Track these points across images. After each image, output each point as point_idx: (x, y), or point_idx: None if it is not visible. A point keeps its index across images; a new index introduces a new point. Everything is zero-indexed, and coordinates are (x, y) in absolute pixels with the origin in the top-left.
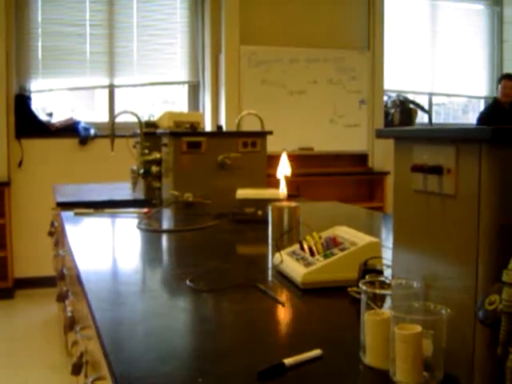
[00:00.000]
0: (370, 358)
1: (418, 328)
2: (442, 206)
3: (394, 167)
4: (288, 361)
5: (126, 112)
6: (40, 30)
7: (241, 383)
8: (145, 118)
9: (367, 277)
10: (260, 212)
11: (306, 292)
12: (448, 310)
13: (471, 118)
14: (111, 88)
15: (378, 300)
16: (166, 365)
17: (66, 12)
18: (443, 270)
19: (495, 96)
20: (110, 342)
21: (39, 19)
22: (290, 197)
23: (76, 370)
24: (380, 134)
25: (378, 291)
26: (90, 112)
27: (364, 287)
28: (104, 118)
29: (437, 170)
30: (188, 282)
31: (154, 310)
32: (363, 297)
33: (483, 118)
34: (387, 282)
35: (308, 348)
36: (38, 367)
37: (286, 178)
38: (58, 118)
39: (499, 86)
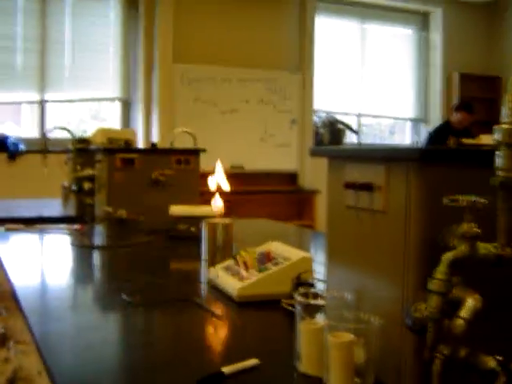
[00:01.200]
0: (304, 366)
1: (351, 336)
2: (372, 221)
3: (327, 184)
4: (226, 369)
5: (58, 128)
6: None
7: None
8: (77, 135)
9: (300, 289)
10: (193, 228)
11: (241, 305)
12: (378, 319)
13: (397, 139)
14: (42, 103)
15: (312, 311)
16: (104, 377)
17: None
18: (374, 282)
19: (447, 119)
20: (50, 356)
21: None
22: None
23: None
24: (314, 153)
25: (312, 301)
26: (19, 127)
27: (299, 298)
28: (33, 133)
29: (368, 187)
30: (124, 296)
31: (91, 324)
32: (298, 307)
33: (433, 138)
34: (320, 293)
35: (244, 358)
36: None
37: (223, 193)
38: None
39: (456, 114)
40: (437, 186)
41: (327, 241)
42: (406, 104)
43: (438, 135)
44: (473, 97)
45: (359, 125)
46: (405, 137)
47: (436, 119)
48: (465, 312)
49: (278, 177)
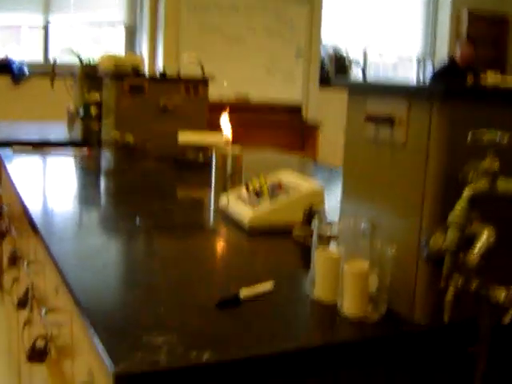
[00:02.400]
0: (318, 292)
1: (366, 265)
2: (391, 154)
3: (346, 116)
4: (243, 293)
5: (68, 50)
6: None
7: (200, 312)
8: (84, 61)
9: (316, 217)
10: (201, 156)
11: (252, 234)
12: (393, 248)
13: (401, 75)
14: (46, 26)
15: (327, 240)
16: (126, 295)
17: None
18: (390, 213)
19: (452, 56)
20: (69, 274)
21: None
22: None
23: (21, 304)
24: (335, 83)
25: (328, 231)
26: (20, 50)
27: (316, 225)
28: (37, 56)
29: (389, 121)
30: (137, 220)
31: (107, 246)
32: (315, 234)
33: (438, 76)
34: (335, 222)
35: (258, 282)
36: None
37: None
38: None
39: (460, 49)
40: (458, 123)
41: (344, 173)
42: (413, 40)
43: (444, 73)
44: (480, 35)
45: (365, 60)
46: (408, 73)
47: (443, 57)
48: (479, 247)
49: (282, 109)
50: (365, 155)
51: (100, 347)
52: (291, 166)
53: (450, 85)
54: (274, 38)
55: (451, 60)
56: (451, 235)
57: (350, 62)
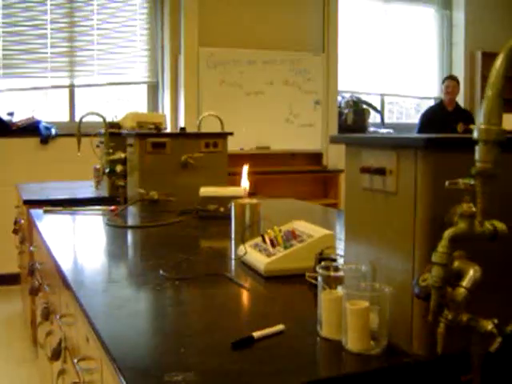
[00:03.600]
0: (325, 331)
1: (366, 303)
2: (385, 201)
3: (345, 169)
4: (256, 334)
5: (92, 113)
6: (0, 31)
7: (217, 353)
8: (108, 119)
9: (323, 263)
10: (222, 208)
11: (269, 279)
12: (391, 288)
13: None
14: (71, 88)
15: (333, 282)
16: (150, 340)
17: (27, 13)
18: (387, 256)
19: (440, 97)
20: (98, 323)
21: (0, 20)
22: (249, 195)
23: (55, 355)
24: (333, 140)
25: (332, 273)
26: (48, 111)
27: (320, 270)
28: (63, 117)
29: (381, 171)
30: (161, 271)
31: (133, 296)
32: (320, 279)
33: (425, 117)
34: (340, 267)
35: (272, 325)
36: (4, 360)
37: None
38: (19, 117)
39: (443, 86)
40: (441, 171)
41: (345, 219)
42: (430, 83)
43: (430, 116)
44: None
45: (383, 104)
46: None
47: (459, 97)
48: (466, 282)
49: (303, 157)
50: (362, 203)
51: None
52: (310, 214)
53: (430, 136)
54: (292, 88)
55: (439, 103)
56: (435, 273)
57: (368, 107)
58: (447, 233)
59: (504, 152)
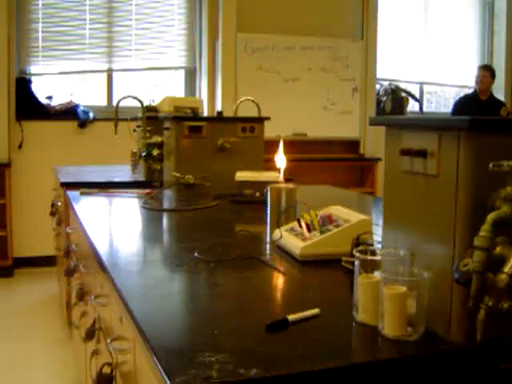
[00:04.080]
0: (361, 316)
1: (404, 288)
2: (425, 185)
3: (384, 151)
4: (291, 317)
5: (129, 97)
6: (40, 15)
7: (251, 335)
8: (145, 103)
9: (360, 247)
10: (258, 193)
11: (304, 264)
12: (429, 273)
13: None
14: (109, 72)
15: (370, 267)
16: (184, 320)
17: None
18: (426, 240)
19: (474, 87)
20: (132, 304)
21: (40, 3)
22: (286, 180)
23: (89, 336)
24: (373, 122)
25: (369, 257)
26: (86, 95)
27: (358, 254)
28: (101, 101)
29: (422, 154)
30: (196, 253)
31: (167, 277)
32: (357, 262)
33: (458, 105)
34: (377, 251)
35: (307, 309)
36: (39, 341)
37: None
38: (57, 101)
39: (476, 75)
40: (485, 153)
41: (384, 203)
42: (469, 72)
43: (463, 104)
44: None
45: (422, 93)
46: None
47: (500, 87)
48: (508, 268)
49: (340, 144)
50: (402, 186)
51: (159, 366)
52: (346, 201)
53: (475, 117)
54: (330, 75)
55: (473, 92)
56: (477, 257)
57: (407, 95)
58: (490, 216)
59: None
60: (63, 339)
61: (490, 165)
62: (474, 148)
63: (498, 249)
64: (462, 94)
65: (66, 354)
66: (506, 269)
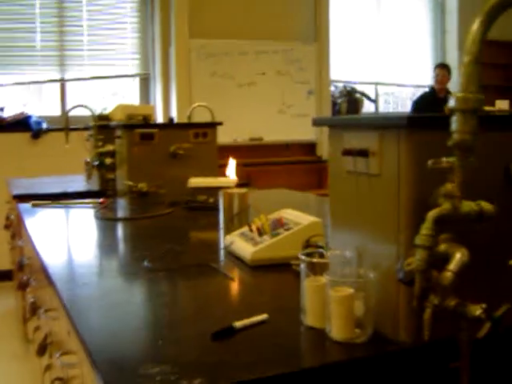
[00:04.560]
0: (309, 319)
1: (350, 290)
2: (369, 184)
3: (328, 152)
4: (238, 324)
5: (79, 106)
6: None
7: (196, 344)
8: (97, 112)
9: (307, 250)
10: (212, 199)
11: (255, 269)
12: (375, 274)
13: None
14: (62, 82)
15: (318, 270)
16: (129, 331)
17: (16, 7)
18: (371, 240)
19: (431, 85)
20: (77, 317)
21: None
22: (240, 185)
23: (41, 350)
24: (316, 123)
25: (314, 260)
26: (40, 105)
27: (303, 257)
28: (55, 111)
29: (363, 153)
30: (145, 262)
31: (115, 288)
32: (302, 265)
33: (417, 104)
34: (325, 253)
35: (256, 315)
36: None
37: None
38: (9, 113)
39: (434, 74)
40: (424, 150)
41: (330, 204)
42: (424, 71)
43: (422, 102)
44: (489, 62)
45: (377, 94)
46: None
47: (454, 84)
48: (453, 265)
49: (297, 147)
50: (346, 186)
51: (101, 381)
52: (302, 204)
53: (413, 115)
54: (285, 78)
55: (430, 90)
56: (419, 256)
57: (362, 96)
58: (431, 214)
59: (488, 131)
60: (21, 355)
61: (430, 162)
62: (414, 145)
63: (442, 246)
64: (419, 94)
65: (23, 369)
66: (451, 266)
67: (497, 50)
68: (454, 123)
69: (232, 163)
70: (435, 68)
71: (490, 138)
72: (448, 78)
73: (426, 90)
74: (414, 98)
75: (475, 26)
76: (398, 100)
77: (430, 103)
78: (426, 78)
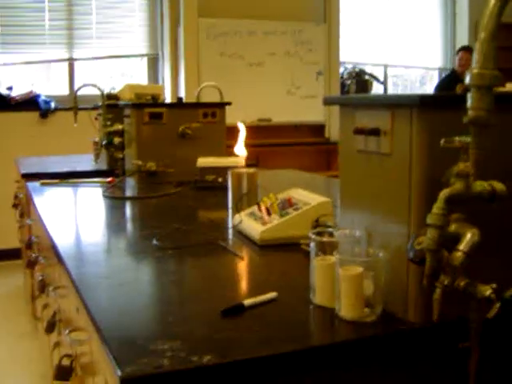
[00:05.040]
0: (318, 298)
1: (360, 269)
2: (380, 163)
3: (339, 131)
4: (247, 302)
5: (87, 85)
6: None
7: (205, 321)
8: (106, 91)
9: (317, 229)
10: (220, 179)
11: (264, 248)
12: (385, 253)
13: (429, 89)
14: (71, 61)
15: (327, 249)
16: (138, 309)
17: None
18: (382, 220)
19: (453, 67)
20: (86, 294)
21: None
22: (248, 166)
23: (49, 328)
24: (327, 102)
25: (324, 239)
26: (49, 85)
27: (313, 236)
28: (63, 90)
29: (375, 132)
30: (154, 241)
31: (124, 266)
32: (312, 245)
33: (440, 87)
34: (334, 232)
35: (265, 293)
36: (5, 335)
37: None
38: (17, 92)
39: (456, 57)
40: (437, 130)
41: (340, 184)
42: (434, 53)
43: (445, 85)
44: (499, 46)
45: (386, 75)
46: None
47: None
48: (463, 245)
49: (305, 129)
50: (357, 166)
51: (110, 356)
52: (311, 184)
53: (425, 94)
54: (294, 59)
55: (451, 72)
56: (430, 235)
57: (371, 78)
58: (442, 193)
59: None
60: (29, 332)
61: (442, 141)
62: (426, 125)
63: (453, 226)
64: (441, 77)
65: (32, 347)
66: (461, 246)
67: (508, 32)
68: (470, 99)
69: (242, 130)
70: (458, 51)
71: (503, 119)
72: (471, 61)
73: (448, 73)
74: (427, 82)
75: (492, 1)
76: (408, 82)
77: (453, 87)
78: (435, 61)
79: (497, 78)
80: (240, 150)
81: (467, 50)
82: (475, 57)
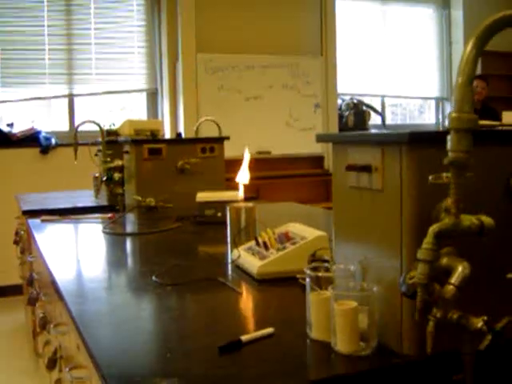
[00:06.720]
0: (315, 333)
1: (354, 303)
2: (372, 199)
3: (332, 167)
4: (244, 337)
5: (88, 121)
6: None
7: (204, 358)
8: (106, 127)
9: (312, 264)
10: (219, 214)
11: (262, 282)
12: (379, 287)
13: (427, 118)
14: (70, 97)
15: (323, 284)
16: (138, 346)
17: (25, 23)
18: (375, 254)
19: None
20: (86, 331)
21: None
22: (249, 199)
23: (51, 365)
24: (319, 139)
25: (320, 274)
26: (49, 121)
27: (308, 271)
28: (64, 126)
29: (366, 169)
30: (153, 277)
31: (124, 303)
32: (308, 279)
33: None
34: (329, 267)
35: (262, 328)
36: (6, 371)
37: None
38: (18, 128)
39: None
40: (426, 166)
41: (334, 219)
42: (431, 83)
43: None
44: (495, 74)
45: (384, 106)
46: (430, 117)
47: None
48: (455, 279)
49: (304, 161)
50: (350, 201)
51: None
52: (309, 217)
53: (414, 131)
54: (292, 92)
55: None
56: (420, 270)
57: (368, 109)
58: (432, 228)
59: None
60: (30, 369)
61: (430, 177)
62: (416, 161)
63: (444, 260)
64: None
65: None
66: (453, 280)
67: (504, 61)
68: (449, 142)
69: (246, 156)
70: (473, 80)
71: (490, 152)
72: (487, 90)
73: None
74: (426, 112)
75: (468, 47)
76: (406, 111)
77: None
78: (432, 90)
79: (474, 121)
80: (243, 177)
81: (481, 78)
82: (453, 100)
